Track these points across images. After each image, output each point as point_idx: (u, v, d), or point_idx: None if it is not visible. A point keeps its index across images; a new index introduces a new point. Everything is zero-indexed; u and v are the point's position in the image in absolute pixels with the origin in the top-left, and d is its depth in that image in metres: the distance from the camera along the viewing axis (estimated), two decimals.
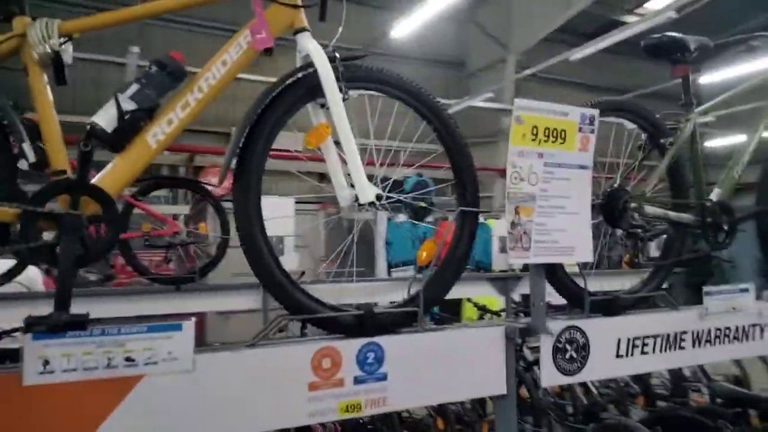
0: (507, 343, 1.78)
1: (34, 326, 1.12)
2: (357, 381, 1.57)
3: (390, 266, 7.99)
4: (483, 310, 5.09)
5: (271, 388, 1.48)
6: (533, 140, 1.61)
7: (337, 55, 1.55)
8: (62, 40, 1.29)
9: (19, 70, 1.28)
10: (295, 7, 1.53)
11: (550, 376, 1.84)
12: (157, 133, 1.39)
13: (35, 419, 1.24)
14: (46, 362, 1.25)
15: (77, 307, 3.58)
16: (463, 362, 1.71)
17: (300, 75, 1.55)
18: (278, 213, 5.03)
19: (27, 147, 1.25)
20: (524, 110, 1.60)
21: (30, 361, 1.23)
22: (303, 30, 1.55)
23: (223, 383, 1.43)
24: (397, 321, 1.67)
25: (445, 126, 1.74)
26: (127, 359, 1.33)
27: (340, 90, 1.54)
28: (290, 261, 5.56)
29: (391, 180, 1.75)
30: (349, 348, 1.56)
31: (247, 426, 1.44)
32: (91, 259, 1.30)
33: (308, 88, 1.56)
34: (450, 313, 5.50)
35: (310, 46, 1.53)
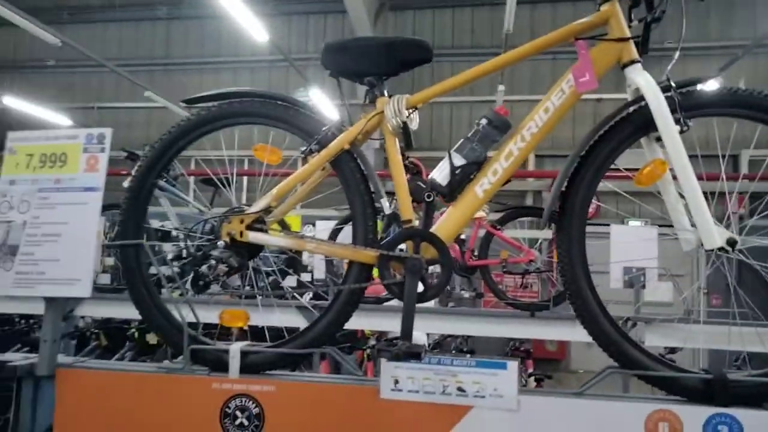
0: None
1: (382, 352, 1.36)
2: None
3: None
4: None
5: None
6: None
7: (673, 83, 1.40)
8: (409, 111, 1.55)
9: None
10: (624, 40, 1.45)
11: None
12: (484, 184, 1.51)
13: (387, 427, 1.49)
14: (396, 381, 1.49)
15: (446, 323, 4.04)
16: None
17: (630, 110, 1.46)
18: (639, 240, 4.64)
19: (384, 202, 1.54)
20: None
21: (385, 379, 1.49)
22: (632, 62, 1.45)
23: (547, 429, 1.43)
24: (761, 393, 1.37)
25: None
26: (459, 389, 1.47)
27: (678, 122, 1.38)
28: (659, 293, 5.05)
29: None
30: (693, 416, 1.36)
31: None
32: (429, 297, 1.51)
33: (639, 123, 1.45)
34: None
35: (639, 79, 1.42)
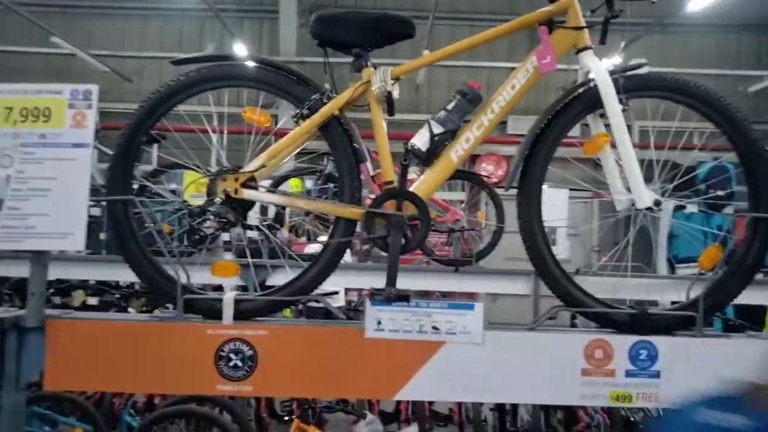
0: None
1: (375, 296, 1.55)
2: (628, 374, 1.68)
3: (673, 262, 7.30)
4: None
5: (548, 367, 1.70)
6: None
7: (616, 68, 1.66)
8: (392, 82, 1.71)
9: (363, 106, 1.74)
10: (580, 28, 1.68)
11: None
12: (457, 150, 1.72)
13: (371, 363, 1.70)
14: (379, 322, 1.70)
15: (374, 279, 4.27)
16: None
17: (581, 90, 1.71)
18: (551, 202, 5.11)
19: (368, 164, 1.71)
20: None
21: (370, 320, 1.69)
22: (585, 48, 1.70)
23: (507, 357, 1.70)
24: (673, 324, 1.72)
25: (737, 130, 1.69)
26: (434, 328, 1.70)
27: (621, 102, 1.65)
28: (561, 250, 5.59)
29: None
30: (621, 343, 1.68)
31: (526, 395, 1.69)
32: (410, 249, 1.71)
33: (589, 101, 1.71)
34: (753, 322, 4.86)
35: (591, 63, 1.67)
